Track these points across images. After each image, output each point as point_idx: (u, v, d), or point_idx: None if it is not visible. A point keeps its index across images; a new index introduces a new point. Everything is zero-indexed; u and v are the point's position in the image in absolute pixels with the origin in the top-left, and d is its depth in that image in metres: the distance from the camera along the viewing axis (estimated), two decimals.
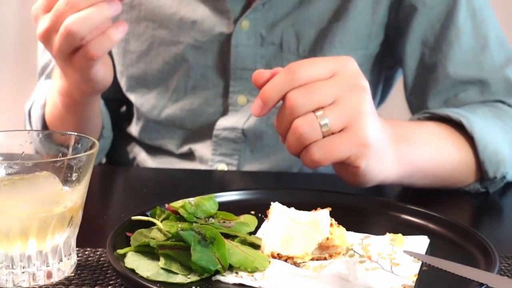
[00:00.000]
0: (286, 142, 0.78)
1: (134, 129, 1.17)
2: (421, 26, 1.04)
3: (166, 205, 0.71)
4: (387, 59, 1.12)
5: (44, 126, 1.08)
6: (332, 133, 0.76)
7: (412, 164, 0.87)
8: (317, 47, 1.06)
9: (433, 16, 1.04)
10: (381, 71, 1.13)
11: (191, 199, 0.72)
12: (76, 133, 0.69)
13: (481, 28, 1.04)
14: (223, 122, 1.08)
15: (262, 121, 1.06)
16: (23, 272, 0.64)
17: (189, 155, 1.12)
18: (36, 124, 1.09)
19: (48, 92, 1.06)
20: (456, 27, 1.03)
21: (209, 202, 0.73)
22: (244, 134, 1.08)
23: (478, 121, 0.94)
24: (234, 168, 1.08)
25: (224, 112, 1.09)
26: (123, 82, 1.15)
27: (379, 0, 1.05)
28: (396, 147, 0.84)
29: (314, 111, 0.75)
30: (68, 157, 0.67)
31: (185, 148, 1.12)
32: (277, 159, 1.09)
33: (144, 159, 1.16)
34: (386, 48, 1.10)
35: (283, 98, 0.77)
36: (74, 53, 0.87)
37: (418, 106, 1.08)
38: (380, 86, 1.16)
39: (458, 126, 0.94)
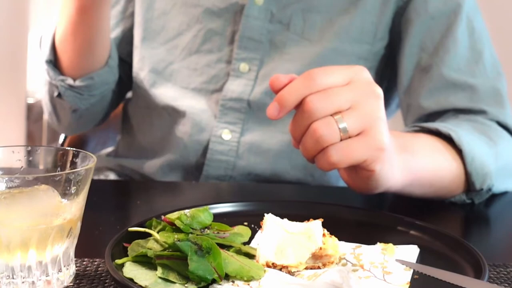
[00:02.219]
0: (302, 145, 0.80)
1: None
2: (420, 32, 1.10)
3: (163, 217, 0.73)
4: (388, 68, 1.16)
5: (53, 46, 1.14)
6: (349, 137, 0.79)
7: (413, 173, 0.90)
8: (323, 34, 1.11)
9: (434, 25, 1.10)
10: (384, 76, 1.17)
11: (186, 210, 0.73)
12: (74, 149, 0.71)
13: (477, 44, 1.10)
14: (229, 93, 1.13)
15: (267, 94, 1.12)
16: (23, 282, 0.65)
17: (183, 115, 1.16)
18: (46, 44, 1.15)
19: (59, 11, 1.11)
20: (454, 38, 1.08)
21: (204, 213, 0.74)
22: (249, 105, 1.12)
23: (466, 135, 0.97)
24: (237, 135, 1.12)
25: (224, 77, 1.14)
26: (137, 33, 1.21)
27: (386, 3, 1.11)
28: (400, 156, 0.87)
29: (332, 115, 0.78)
30: (67, 171, 0.68)
31: (180, 106, 1.16)
32: (277, 130, 1.12)
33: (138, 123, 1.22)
34: (390, 53, 1.15)
35: (300, 103, 0.79)
36: None
37: (410, 104, 1.12)
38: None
39: (447, 139, 0.97)
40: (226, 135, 1.12)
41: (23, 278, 0.65)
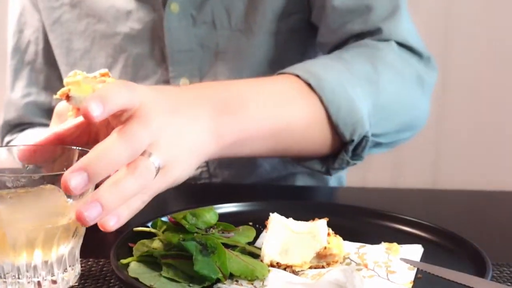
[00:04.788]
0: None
1: None
2: None
3: (168, 217, 0.73)
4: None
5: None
6: None
7: (235, 136, 0.81)
8: (249, 19, 1.06)
9: None
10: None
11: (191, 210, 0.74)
12: (79, 148, 0.71)
13: None
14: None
15: None
16: (29, 282, 0.65)
17: None
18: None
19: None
20: None
21: (209, 213, 0.75)
22: None
23: (334, 79, 0.90)
24: None
25: None
26: None
27: None
28: (215, 124, 0.78)
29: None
30: None
31: None
32: None
33: None
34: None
35: None
36: None
37: (315, 42, 1.09)
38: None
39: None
40: None
41: (29, 278, 0.65)
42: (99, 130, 0.80)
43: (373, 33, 1.02)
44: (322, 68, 0.91)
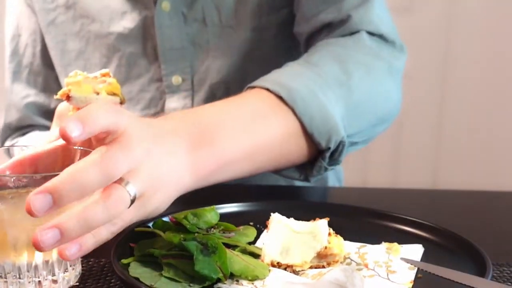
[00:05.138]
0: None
1: None
2: None
3: (169, 216, 0.74)
4: None
5: None
6: None
7: (213, 165, 0.80)
8: (239, 15, 1.07)
9: None
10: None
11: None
12: (81, 148, 0.71)
13: None
14: (172, 112, 1.09)
15: (209, 100, 1.08)
16: (30, 282, 0.66)
17: None
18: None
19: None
20: None
21: (211, 213, 0.75)
22: None
23: (304, 87, 0.89)
24: None
25: (161, 95, 1.11)
26: (63, 83, 1.17)
27: None
28: (192, 157, 0.77)
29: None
30: None
31: None
32: None
33: None
34: None
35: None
36: None
37: (296, 34, 1.09)
38: None
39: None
40: None
41: (30, 277, 0.65)
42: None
43: (344, 21, 1.01)
44: (291, 77, 0.91)
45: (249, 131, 0.84)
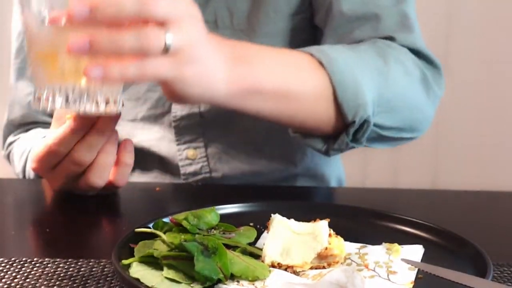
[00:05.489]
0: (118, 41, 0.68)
1: None
2: None
3: (169, 217, 0.74)
4: None
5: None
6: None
7: (248, 85, 0.83)
8: (252, 19, 1.08)
9: None
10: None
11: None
12: None
13: None
14: (178, 112, 1.10)
15: None
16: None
17: (142, 152, 1.14)
18: (17, 169, 1.15)
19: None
20: None
21: (211, 214, 0.75)
22: (202, 116, 1.10)
23: (344, 62, 0.91)
24: (202, 150, 1.11)
25: None
26: None
27: None
28: (231, 67, 0.80)
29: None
30: None
31: (136, 143, 1.12)
32: (239, 131, 1.11)
33: None
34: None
35: None
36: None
37: (318, 43, 1.08)
38: None
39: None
40: (192, 154, 1.11)
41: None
42: None
43: (386, 39, 1.02)
44: (335, 51, 0.93)
45: (285, 73, 0.87)
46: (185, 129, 1.11)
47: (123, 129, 1.12)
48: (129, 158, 0.91)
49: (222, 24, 1.07)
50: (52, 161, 0.89)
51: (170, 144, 1.12)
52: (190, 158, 1.11)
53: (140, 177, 1.16)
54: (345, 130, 0.93)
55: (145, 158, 1.14)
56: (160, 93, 1.11)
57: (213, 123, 1.11)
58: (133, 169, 1.14)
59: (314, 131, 0.94)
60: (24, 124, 1.21)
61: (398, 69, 0.96)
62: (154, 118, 1.12)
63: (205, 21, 1.05)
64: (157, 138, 1.13)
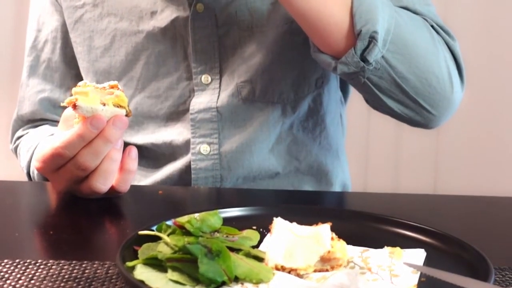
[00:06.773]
0: None
1: None
2: None
3: (173, 220, 0.74)
4: None
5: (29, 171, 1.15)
6: None
7: None
8: (271, 19, 1.10)
9: None
10: None
11: (196, 214, 0.75)
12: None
13: None
14: (196, 105, 1.12)
15: (234, 97, 1.11)
16: None
17: (161, 148, 1.16)
18: (22, 163, 1.16)
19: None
20: None
21: (214, 217, 0.75)
22: (219, 112, 1.12)
23: None
24: (215, 146, 1.12)
25: (190, 93, 1.13)
26: (89, 79, 1.19)
27: None
28: None
29: None
30: None
31: (156, 140, 1.15)
32: (254, 130, 1.13)
33: None
34: None
35: None
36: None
37: None
38: None
39: None
40: (205, 149, 1.12)
41: None
42: None
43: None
44: None
45: None
46: (201, 123, 1.12)
47: (144, 127, 1.15)
48: (133, 165, 0.92)
49: (242, 24, 1.10)
50: (56, 163, 0.90)
51: (186, 141, 1.13)
52: (202, 153, 1.12)
53: (148, 174, 1.17)
54: (353, 46, 0.96)
55: (157, 155, 1.16)
56: (181, 91, 1.13)
57: (229, 121, 1.12)
58: (144, 166, 1.16)
59: (326, 39, 0.98)
60: (33, 120, 1.23)
61: (416, 23, 1.02)
62: (176, 114, 1.14)
63: (225, 22, 1.10)
64: (177, 132, 1.14)
